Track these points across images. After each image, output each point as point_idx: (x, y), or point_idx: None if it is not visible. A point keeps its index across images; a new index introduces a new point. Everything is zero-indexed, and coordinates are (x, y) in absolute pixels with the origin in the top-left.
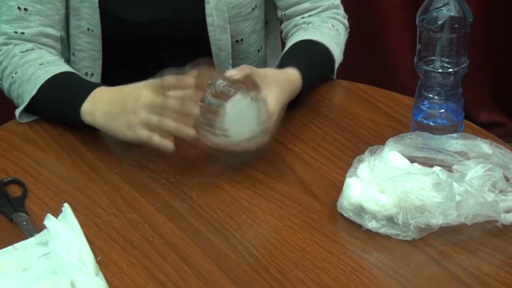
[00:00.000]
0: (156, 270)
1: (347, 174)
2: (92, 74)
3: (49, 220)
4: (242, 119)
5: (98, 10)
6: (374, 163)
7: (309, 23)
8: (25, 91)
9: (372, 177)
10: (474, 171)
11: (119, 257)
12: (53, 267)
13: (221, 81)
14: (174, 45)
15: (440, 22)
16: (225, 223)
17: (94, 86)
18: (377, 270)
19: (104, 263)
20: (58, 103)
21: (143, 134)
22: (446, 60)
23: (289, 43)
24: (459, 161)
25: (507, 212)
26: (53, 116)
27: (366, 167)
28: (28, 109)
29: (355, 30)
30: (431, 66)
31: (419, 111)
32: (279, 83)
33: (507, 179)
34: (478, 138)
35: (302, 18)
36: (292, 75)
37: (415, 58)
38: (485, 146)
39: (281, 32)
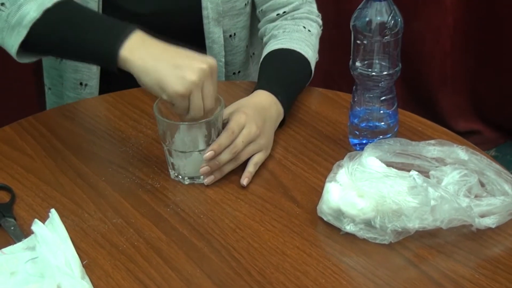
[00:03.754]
0: (141, 273)
1: (327, 179)
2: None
3: (37, 225)
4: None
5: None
6: (353, 168)
7: (279, 28)
8: (31, 8)
9: (351, 182)
10: (451, 177)
11: (104, 261)
12: (40, 271)
13: None
14: (169, 37)
15: (372, 27)
16: (208, 227)
17: (131, 28)
18: (356, 272)
19: (90, 267)
20: (87, 31)
21: (196, 94)
22: (381, 63)
23: (264, 53)
24: (436, 167)
25: (482, 216)
26: (69, 44)
27: (345, 172)
28: (31, 38)
29: (337, 38)
30: (365, 69)
31: (355, 114)
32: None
33: (482, 185)
34: (455, 145)
35: (277, 14)
36: (274, 108)
37: (350, 62)
38: (461, 153)
39: (258, 31)
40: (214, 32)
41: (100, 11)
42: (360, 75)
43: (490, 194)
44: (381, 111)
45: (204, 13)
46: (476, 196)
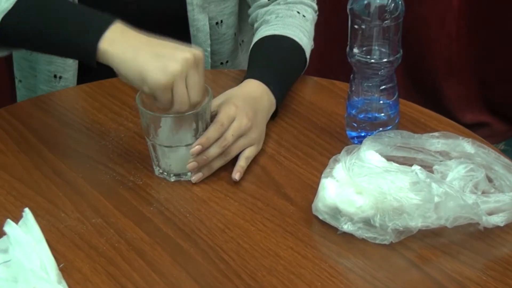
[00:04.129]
0: (123, 277)
1: (323, 175)
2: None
3: (9, 226)
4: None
5: None
6: (350, 163)
7: (272, 13)
8: None
9: (348, 178)
10: (456, 172)
11: (83, 264)
12: (13, 275)
13: None
14: (153, 26)
15: (371, 11)
16: (195, 227)
17: (109, 20)
18: (354, 275)
19: (67, 271)
20: (63, 23)
21: (180, 85)
22: (380, 50)
23: (254, 39)
24: (440, 161)
25: (490, 214)
26: (43, 37)
27: (342, 167)
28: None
29: (335, 27)
30: (364, 56)
31: (353, 105)
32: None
33: (490, 180)
34: (460, 137)
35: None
36: (266, 98)
37: (347, 48)
38: (467, 146)
39: (248, 17)
40: (199, 19)
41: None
42: (358, 62)
43: (499, 190)
44: (381, 101)
45: (189, 6)
46: (483, 192)
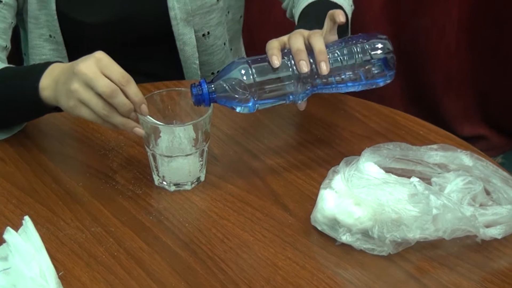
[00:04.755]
0: (121, 286)
1: (321, 186)
2: None
3: (9, 234)
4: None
5: (56, 16)
6: (349, 175)
7: None
8: None
9: (347, 189)
10: (454, 184)
11: (82, 272)
12: (13, 283)
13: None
14: (140, 42)
15: None
16: (194, 237)
17: (48, 63)
18: (352, 286)
19: (66, 279)
20: (10, 84)
21: (82, 110)
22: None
23: (299, 7)
24: (439, 173)
25: (487, 226)
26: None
27: (341, 178)
28: None
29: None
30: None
31: None
32: None
33: (487, 193)
34: (459, 150)
35: None
36: None
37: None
38: (465, 158)
39: (285, 11)
40: (184, 33)
41: (58, 26)
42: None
43: (496, 203)
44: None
45: (172, 14)
46: (481, 205)
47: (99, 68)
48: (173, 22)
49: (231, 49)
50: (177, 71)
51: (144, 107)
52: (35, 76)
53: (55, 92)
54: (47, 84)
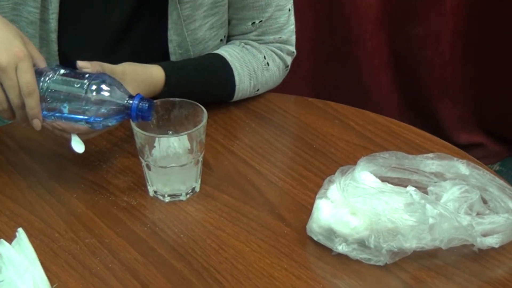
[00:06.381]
0: None
1: (317, 196)
2: None
3: (2, 246)
4: None
5: (57, 57)
6: (345, 184)
7: (246, 44)
8: None
9: (343, 199)
10: (450, 193)
11: (76, 284)
12: None
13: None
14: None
15: None
16: (189, 248)
17: None
18: None
19: None
20: None
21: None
22: None
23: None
24: (435, 182)
25: (484, 235)
26: None
27: (336, 188)
28: None
29: (330, 47)
30: None
31: None
32: (138, 82)
33: (484, 201)
34: (455, 159)
35: (252, 23)
36: (155, 75)
37: None
38: (462, 167)
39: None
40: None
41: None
42: None
43: (493, 212)
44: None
45: (172, 57)
46: (478, 214)
47: (14, 65)
48: (172, 57)
49: None
50: None
51: (36, 122)
52: None
53: None
54: None
